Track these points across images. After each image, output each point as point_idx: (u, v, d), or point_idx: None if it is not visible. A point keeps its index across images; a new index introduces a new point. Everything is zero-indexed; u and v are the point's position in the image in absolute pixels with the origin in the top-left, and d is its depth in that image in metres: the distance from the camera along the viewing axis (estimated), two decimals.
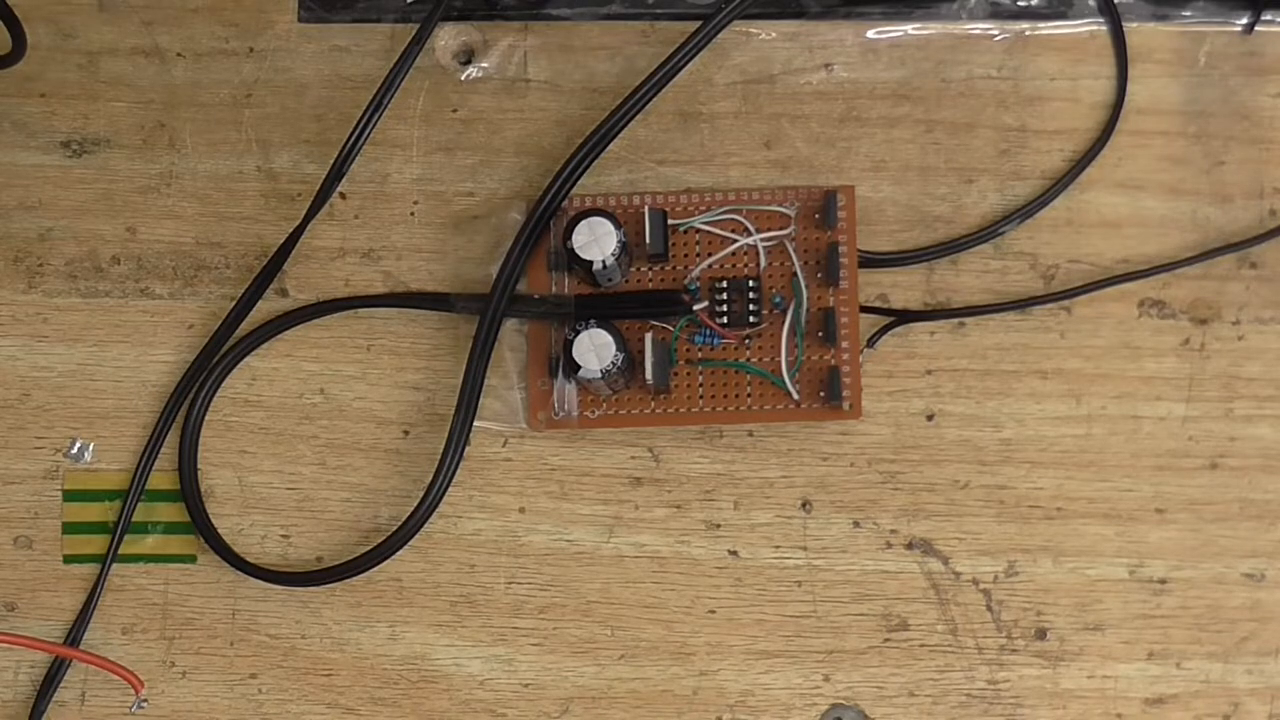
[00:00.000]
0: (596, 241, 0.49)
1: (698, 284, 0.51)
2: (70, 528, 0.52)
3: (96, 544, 0.52)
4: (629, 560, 0.52)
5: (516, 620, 0.52)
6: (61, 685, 0.52)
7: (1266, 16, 0.53)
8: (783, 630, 0.51)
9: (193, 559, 0.52)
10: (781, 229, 0.51)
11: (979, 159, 0.53)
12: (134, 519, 0.52)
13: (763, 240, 0.51)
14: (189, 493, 0.52)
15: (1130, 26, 0.53)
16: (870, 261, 0.52)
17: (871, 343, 0.52)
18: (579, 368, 0.49)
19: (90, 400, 0.53)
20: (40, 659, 0.52)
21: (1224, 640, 0.51)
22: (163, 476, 0.52)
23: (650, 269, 0.52)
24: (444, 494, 0.51)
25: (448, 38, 0.54)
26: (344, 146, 0.51)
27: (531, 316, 0.51)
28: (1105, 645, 0.51)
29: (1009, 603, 0.51)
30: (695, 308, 0.51)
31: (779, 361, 0.51)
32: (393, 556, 0.51)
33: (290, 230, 0.52)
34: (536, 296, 0.52)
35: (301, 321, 0.53)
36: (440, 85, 0.53)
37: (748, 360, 0.51)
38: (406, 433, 0.52)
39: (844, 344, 0.51)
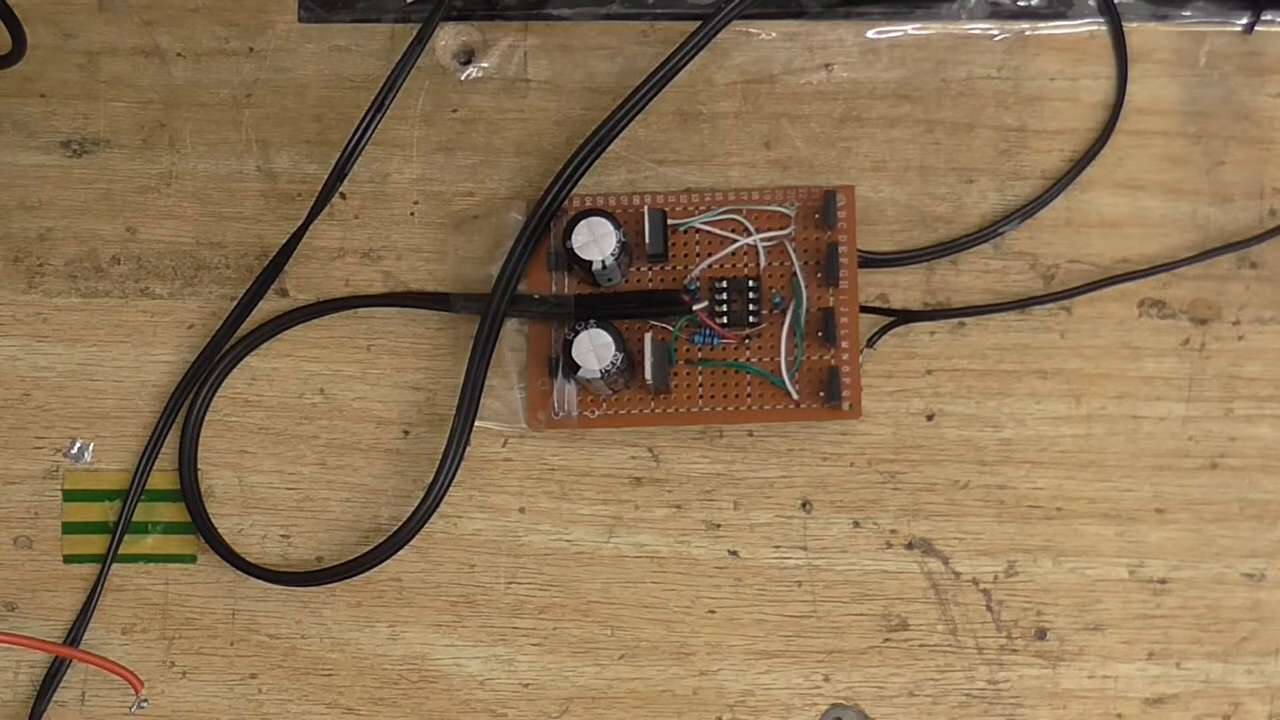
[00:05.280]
0: (596, 241, 0.49)
1: (698, 284, 0.51)
2: (70, 528, 0.52)
3: (96, 544, 0.52)
4: (629, 560, 0.52)
5: (516, 620, 0.52)
6: (61, 685, 0.52)
7: (1266, 16, 0.53)
8: (783, 630, 0.51)
9: (193, 559, 0.52)
10: (781, 229, 0.51)
11: (979, 159, 0.53)
12: (134, 519, 0.52)
13: (763, 240, 0.51)
14: (189, 493, 0.52)
15: (1130, 26, 0.53)
16: (870, 261, 0.52)
17: (871, 343, 0.52)
18: (579, 368, 0.49)
19: (90, 400, 0.53)
20: (40, 659, 0.52)
21: (1224, 640, 0.51)
22: (163, 476, 0.52)
23: (650, 269, 0.52)
24: (444, 494, 0.51)
25: (448, 38, 0.54)
26: (346, 147, 0.51)
27: (531, 316, 0.52)
28: (1105, 645, 0.51)
29: (1009, 603, 0.51)
30: (695, 308, 0.51)
31: (779, 361, 0.51)
32: (393, 556, 0.51)
33: (290, 230, 0.52)
34: (536, 296, 0.52)
35: (301, 321, 0.53)
36: (440, 85, 0.54)
37: (747, 360, 0.51)
38: (406, 433, 0.52)
39: (844, 344, 0.51)
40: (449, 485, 0.51)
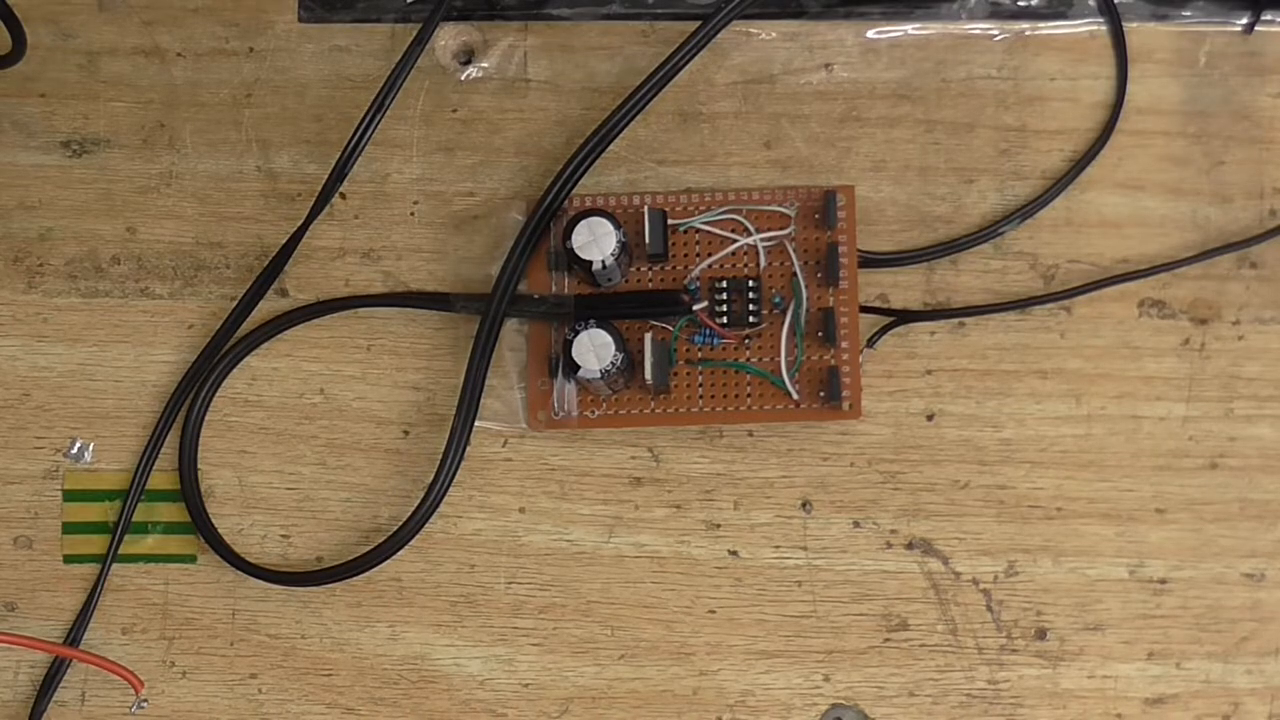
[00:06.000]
0: (596, 241, 0.49)
1: (698, 284, 0.51)
2: (70, 528, 0.52)
3: (96, 544, 0.52)
4: (629, 560, 0.52)
5: (516, 620, 0.52)
6: (61, 685, 0.52)
7: (1266, 16, 0.53)
8: (783, 630, 0.51)
9: (193, 559, 0.52)
10: (781, 229, 0.51)
11: (979, 159, 0.53)
12: (134, 519, 0.52)
13: (763, 240, 0.51)
14: (189, 493, 0.52)
15: (1130, 26, 0.53)
16: (870, 261, 0.52)
17: (871, 343, 0.52)
18: (579, 368, 0.49)
19: (90, 400, 0.53)
20: (40, 659, 0.52)
21: (1224, 640, 0.51)
22: (163, 476, 0.52)
23: (650, 269, 0.52)
24: (444, 494, 0.51)
25: (448, 38, 0.54)
26: (346, 147, 0.51)
27: (531, 316, 0.52)
28: (1105, 645, 0.51)
29: (1009, 603, 0.51)
30: (695, 308, 0.51)
31: (779, 361, 0.51)
32: (393, 556, 0.51)
33: (290, 230, 0.52)
34: (536, 296, 0.52)
35: (301, 321, 0.53)
36: (440, 85, 0.53)
37: (747, 360, 0.51)
38: (406, 433, 0.52)
39: (844, 344, 0.51)
40: (449, 485, 0.51)
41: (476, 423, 0.51)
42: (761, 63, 0.53)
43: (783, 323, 0.51)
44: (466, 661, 0.52)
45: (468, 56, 0.54)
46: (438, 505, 0.51)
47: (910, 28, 0.53)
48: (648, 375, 0.49)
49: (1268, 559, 0.51)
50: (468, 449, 0.51)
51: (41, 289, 0.53)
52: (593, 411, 0.51)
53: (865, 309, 0.52)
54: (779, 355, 0.51)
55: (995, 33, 0.53)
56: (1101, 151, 0.52)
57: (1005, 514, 0.52)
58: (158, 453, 0.52)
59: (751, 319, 0.51)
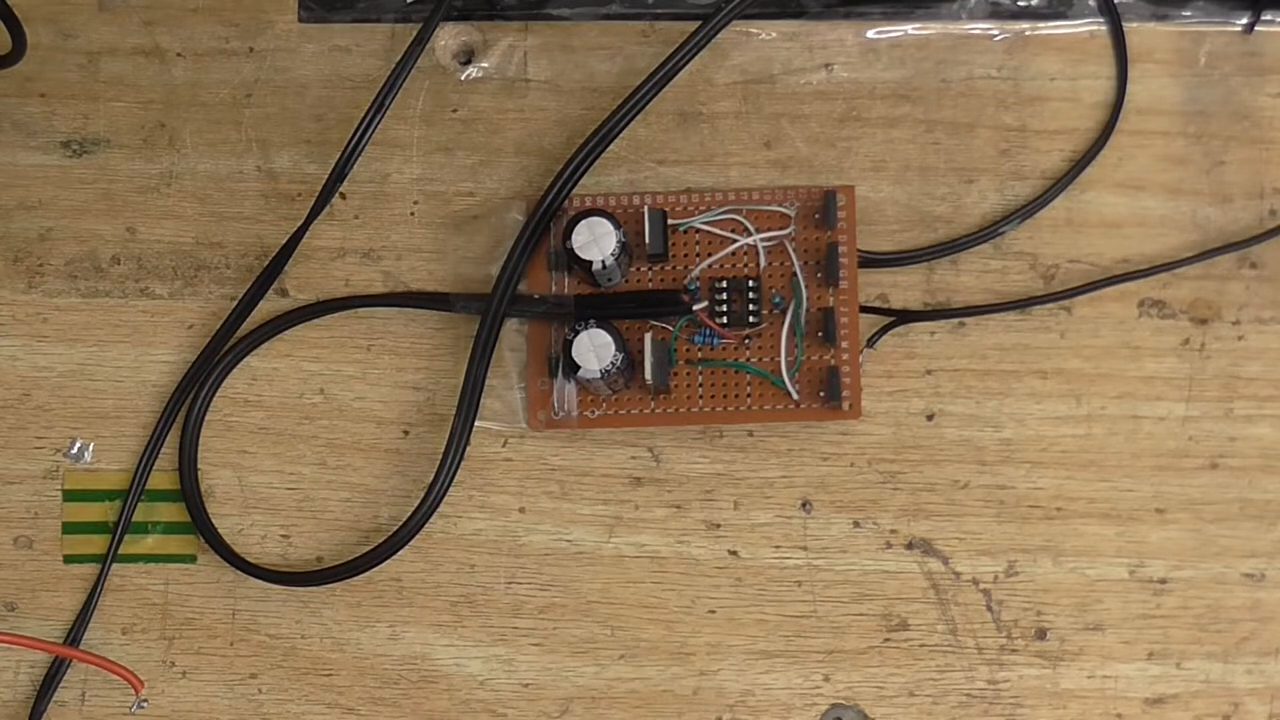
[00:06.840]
0: (596, 241, 0.49)
1: (698, 284, 0.51)
2: (70, 528, 0.52)
3: (96, 544, 0.52)
4: (629, 560, 0.52)
5: (516, 620, 0.52)
6: (61, 685, 0.52)
7: (1266, 16, 0.53)
8: (783, 630, 0.51)
9: (193, 559, 0.52)
10: (781, 229, 0.51)
11: (979, 159, 0.53)
12: (134, 519, 0.52)
13: (763, 240, 0.51)
14: (189, 493, 0.52)
15: (1130, 26, 0.53)
16: (870, 261, 0.52)
17: (871, 343, 0.52)
18: (579, 368, 0.49)
19: (90, 400, 0.53)
20: (40, 659, 0.52)
21: (1224, 640, 0.51)
22: (163, 476, 0.52)
23: (650, 269, 0.52)
24: (445, 494, 0.51)
25: (448, 38, 0.54)
26: (346, 147, 0.51)
27: (531, 316, 0.52)
28: (1105, 645, 0.51)
29: (1009, 603, 0.51)
30: (695, 308, 0.51)
31: (779, 361, 0.51)
32: (393, 556, 0.51)
33: (290, 230, 0.52)
34: (536, 296, 0.52)
35: (301, 321, 0.53)
36: (440, 85, 0.53)
37: (747, 360, 0.51)
38: (406, 433, 0.52)
39: (844, 344, 0.51)
40: (449, 485, 0.51)
41: (476, 423, 0.51)
42: (761, 63, 0.53)
43: (783, 323, 0.51)
44: (466, 661, 0.52)
45: (468, 56, 0.54)
46: (438, 505, 0.51)
47: (910, 28, 0.53)
48: (648, 375, 0.49)
49: (1268, 559, 0.51)
50: (468, 449, 0.51)
51: (41, 289, 0.53)
52: (593, 411, 0.51)
53: (865, 309, 0.52)
54: (779, 355, 0.51)
55: (995, 33, 0.53)
56: (1101, 151, 0.52)
57: (1005, 514, 0.52)
58: (158, 453, 0.52)
59: (751, 319, 0.51)
